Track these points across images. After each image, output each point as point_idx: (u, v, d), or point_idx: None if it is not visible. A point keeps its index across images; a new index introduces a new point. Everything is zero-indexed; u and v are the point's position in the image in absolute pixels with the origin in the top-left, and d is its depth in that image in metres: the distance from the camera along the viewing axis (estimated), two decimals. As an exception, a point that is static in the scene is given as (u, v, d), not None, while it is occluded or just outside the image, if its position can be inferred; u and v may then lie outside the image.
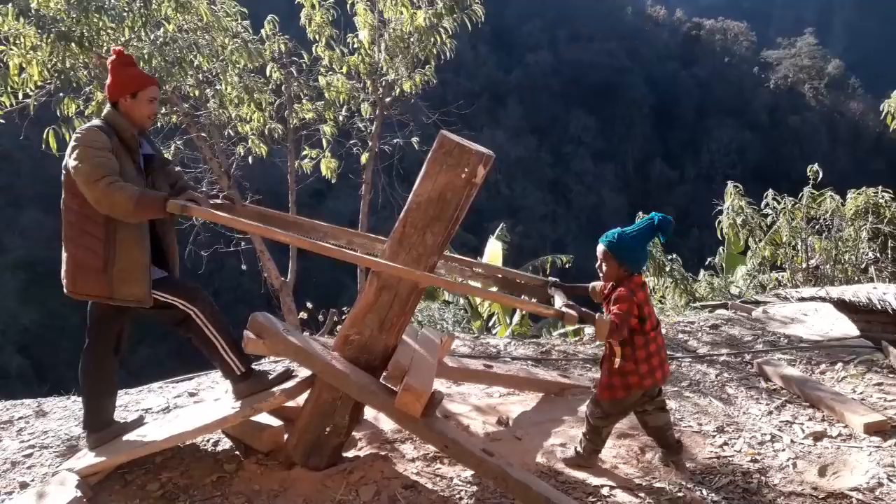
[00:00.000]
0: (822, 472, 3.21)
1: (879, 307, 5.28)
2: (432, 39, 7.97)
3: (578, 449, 3.30)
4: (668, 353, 4.87)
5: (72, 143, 3.14)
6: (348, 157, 9.16)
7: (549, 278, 3.71)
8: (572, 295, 3.46)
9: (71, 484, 3.03)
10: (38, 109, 6.87)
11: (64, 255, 3.23)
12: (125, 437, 3.35)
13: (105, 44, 6.94)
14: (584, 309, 3.04)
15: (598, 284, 3.32)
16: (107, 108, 3.34)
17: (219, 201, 3.45)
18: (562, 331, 7.73)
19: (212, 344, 3.33)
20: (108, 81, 3.35)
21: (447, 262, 3.90)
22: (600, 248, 3.14)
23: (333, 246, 3.36)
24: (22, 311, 31.09)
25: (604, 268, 3.15)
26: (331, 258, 3.04)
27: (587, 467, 3.27)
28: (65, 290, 3.25)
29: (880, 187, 8.52)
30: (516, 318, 9.14)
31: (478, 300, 9.57)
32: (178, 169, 4.33)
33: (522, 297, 3.82)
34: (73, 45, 6.51)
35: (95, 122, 3.27)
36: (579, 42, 70.06)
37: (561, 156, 61.72)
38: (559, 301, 3.21)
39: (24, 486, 3.27)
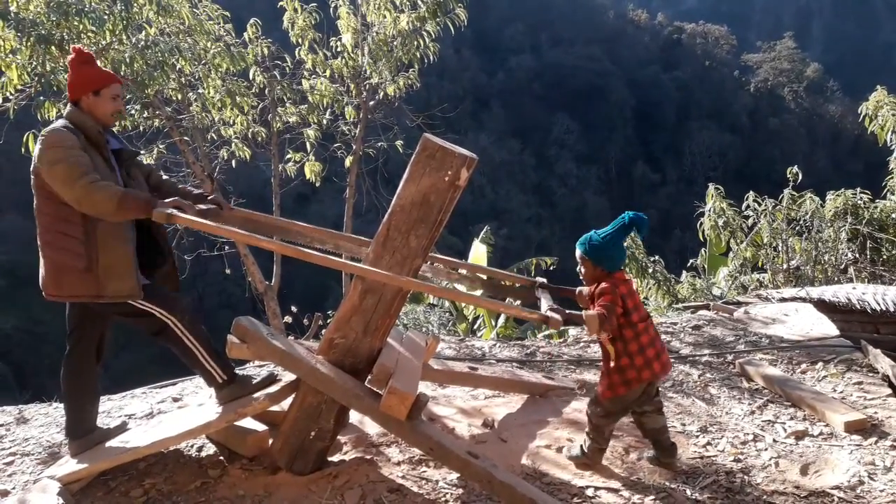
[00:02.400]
0: (803, 470, 3.25)
1: (859, 307, 5.36)
2: (415, 43, 7.99)
3: (584, 448, 3.31)
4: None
5: (39, 147, 3.07)
6: (332, 161, 9.16)
7: (537, 279, 3.72)
8: (560, 296, 3.48)
9: (52, 491, 2.99)
10: (18, 113, 6.80)
11: (42, 260, 3.17)
12: (108, 444, 3.31)
13: (86, 47, 6.88)
14: (569, 311, 3.06)
15: (584, 289, 3.34)
16: (68, 108, 3.26)
17: (205, 207, 3.38)
18: (546, 332, 7.75)
19: (191, 353, 3.30)
20: (68, 80, 3.29)
21: (433, 264, 3.91)
22: (577, 252, 3.20)
23: (320, 250, 3.35)
24: (2, 317, 30.70)
25: (583, 271, 3.21)
26: (316, 264, 3.03)
27: (591, 465, 3.29)
28: (46, 295, 3.19)
29: (858, 189, 8.63)
30: (501, 320, 9.16)
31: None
32: (147, 163, 4.27)
33: (507, 300, 3.83)
34: (53, 48, 6.46)
35: (59, 122, 3.18)
36: (561, 46, 70.47)
37: (544, 159, 62.03)
38: (545, 304, 3.22)
39: (4, 493, 3.23)
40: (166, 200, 3.07)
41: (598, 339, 3.19)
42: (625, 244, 3.18)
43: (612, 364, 3.11)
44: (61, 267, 3.12)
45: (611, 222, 3.20)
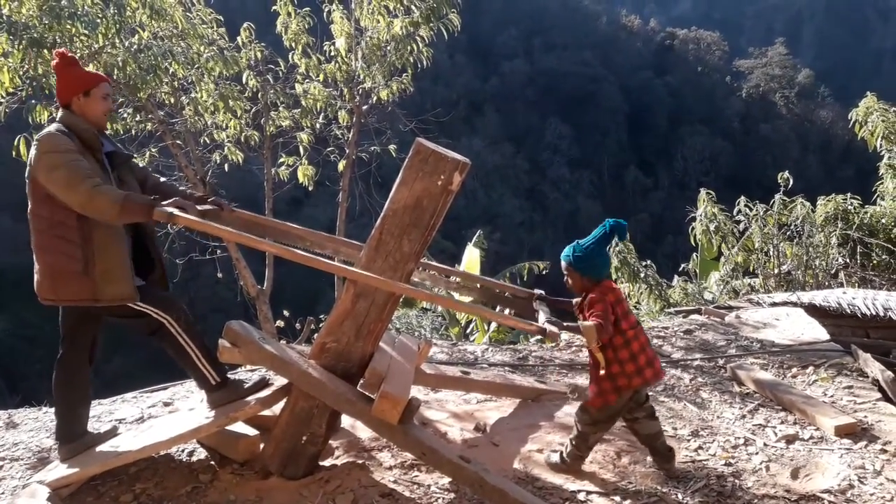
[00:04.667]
0: (794, 474, 3.26)
1: (849, 311, 5.39)
2: (409, 48, 8.00)
3: (564, 455, 3.31)
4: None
5: (35, 152, 3.05)
6: (325, 165, 9.15)
7: (535, 291, 3.69)
8: (557, 309, 3.49)
9: (42, 496, 2.97)
10: (10, 116, 6.77)
11: (37, 264, 3.15)
12: (98, 448, 3.30)
13: (78, 50, 6.86)
14: (566, 323, 3.08)
15: (577, 301, 3.35)
16: (59, 112, 3.25)
17: (206, 207, 3.36)
18: (538, 336, 7.76)
19: (186, 354, 3.30)
20: (57, 84, 3.27)
21: (433, 274, 3.90)
22: (563, 264, 3.24)
23: (318, 254, 3.35)
24: (-8, 321, 30.50)
25: (570, 282, 3.24)
26: (309, 267, 3.02)
27: (572, 472, 3.29)
28: (42, 299, 3.17)
29: (849, 194, 8.68)
30: (493, 324, 9.16)
31: (455, 307, 9.57)
32: (142, 166, 4.26)
33: (505, 311, 3.82)
34: (45, 51, 6.42)
35: (52, 127, 3.17)
36: (554, 51, 70.65)
37: (537, 163, 62.14)
38: (542, 317, 3.22)
39: (-7, 499, 3.21)
40: (168, 201, 3.06)
41: (587, 347, 3.20)
42: (609, 251, 3.20)
43: (602, 372, 3.11)
44: (58, 271, 3.10)
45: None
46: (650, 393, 4.26)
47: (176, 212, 2.96)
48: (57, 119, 3.23)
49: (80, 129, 3.16)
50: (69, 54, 3.33)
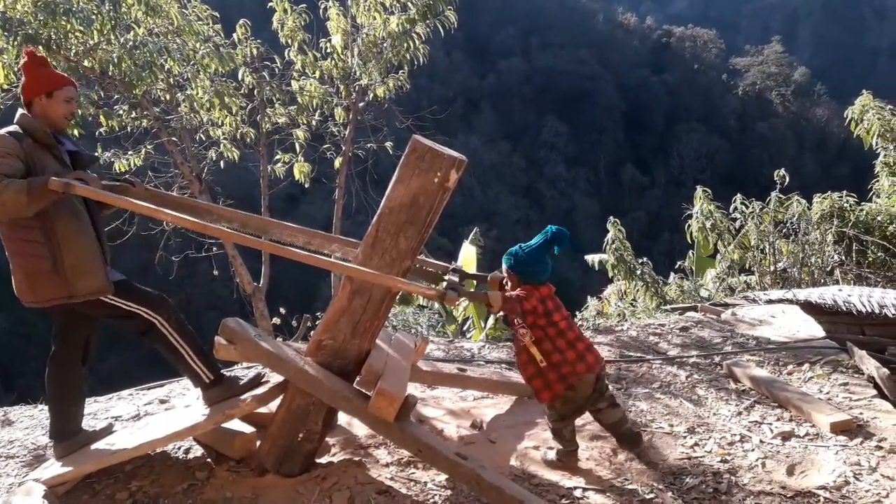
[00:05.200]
0: (790, 471, 3.26)
1: (844, 309, 5.40)
2: (405, 45, 7.99)
3: (557, 453, 3.34)
4: (639, 354, 4.94)
5: None
6: (322, 162, 9.14)
7: (452, 264, 3.74)
8: (477, 282, 3.54)
9: (37, 494, 2.97)
10: (5, 113, 6.75)
11: (12, 268, 3.14)
12: (93, 446, 3.29)
13: (73, 47, 6.85)
14: (471, 291, 3.18)
15: (496, 274, 3.42)
16: (19, 112, 3.23)
17: (115, 183, 3.33)
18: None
19: (178, 353, 3.29)
20: (21, 82, 3.27)
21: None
22: (503, 266, 3.29)
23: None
24: (-13, 318, 30.42)
25: (509, 284, 3.29)
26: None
27: (568, 468, 3.30)
28: (24, 303, 3.17)
29: (845, 192, 8.69)
30: (490, 321, 9.16)
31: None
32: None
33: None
34: (40, 48, 6.40)
35: (8, 128, 3.14)
36: (551, 49, 70.68)
37: (534, 161, 62.21)
38: (445, 283, 3.25)
39: (-12, 496, 3.20)
40: (68, 174, 3.04)
41: (519, 346, 3.26)
42: (548, 257, 3.25)
43: (543, 364, 3.17)
44: (30, 272, 3.10)
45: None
46: (647, 389, 4.27)
47: (73, 182, 2.95)
48: (16, 119, 3.20)
49: (32, 128, 3.13)
50: (39, 54, 3.32)
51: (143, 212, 3.08)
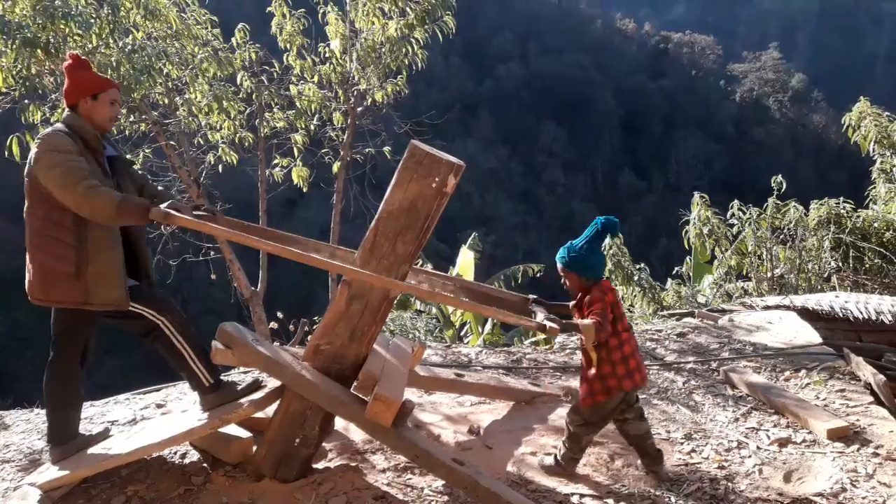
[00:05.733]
0: (787, 477, 3.27)
1: (841, 315, 5.41)
2: (404, 50, 8.00)
3: (558, 457, 3.32)
4: (637, 361, 4.93)
5: (35, 151, 3.07)
6: (320, 166, 9.13)
7: (530, 296, 3.67)
8: (552, 312, 3.49)
9: (33, 498, 2.96)
10: (3, 116, 6.75)
11: (30, 264, 3.15)
12: (90, 450, 3.28)
13: (74, 51, 6.84)
14: (564, 321, 3.10)
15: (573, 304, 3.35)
16: (66, 112, 3.27)
17: (201, 212, 3.38)
18: (532, 339, 7.76)
19: (180, 355, 3.29)
20: (65, 85, 3.29)
21: (432, 279, 3.87)
22: (559, 266, 3.24)
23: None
24: (-15, 322, 30.34)
25: (567, 283, 3.25)
26: (303, 268, 3.02)
27: (566, 475, 3.29)
28: (32, 299, 3.17)
29: (842, 198, 8.71)
30: (488, 326, 9.16)
31: (450, 309, 9.57)
32: (141, 172, 4.27)
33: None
34: (38, 51, 6.40)
35: (57, 126, 3.20)
36: (549, 54, 70.80)
37: (532, 166, 62.26)
38: (540, 315, 3.23)
39: (-16, 501, 3.19)
40: (164, 203, 3.07)
41: (581, 346, 3.21)
42: (602, 249, 3.21)
43: (593, 371, 3.13)
44: (50, 272, 3.10)
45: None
46: (644, 395, 4.27)
47: (172, 212, 2.98)
48: (62, 119, 3.25)
49: (83, 131, 3.17)
50: (82, 57, 3.36)
51: (240, 241, 3.10)
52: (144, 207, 2.98)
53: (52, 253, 3.09)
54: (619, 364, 3.11)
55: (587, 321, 3.00)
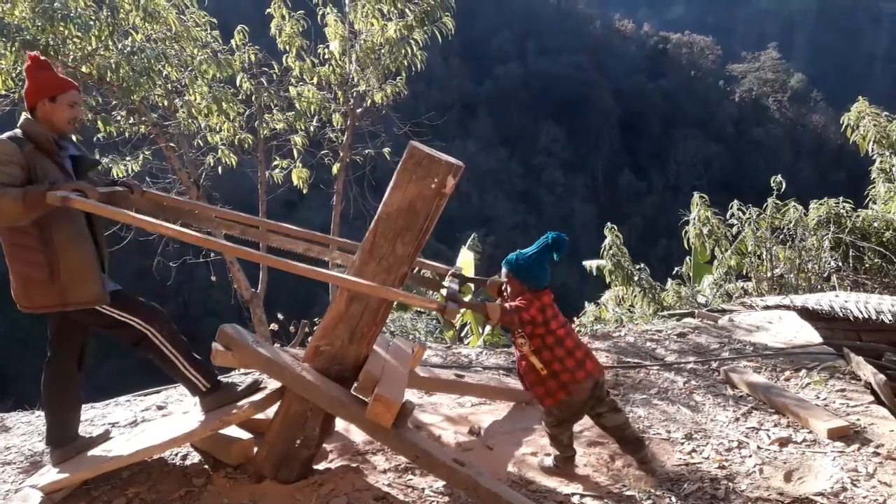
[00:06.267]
0: (787, 477, 3.27)
1: (841, 315, 5.41)
2: (403, 51, 8.01)
3: (555, 461, 3.34)
4: (636, 360, 4.94)
5: None
6: (319, 168, 9.14)
7: (454, 267, 3.74)
8: (477, 286, 3.54)
9: (34, 500, 2.96)
10: (2, 118, 6.75)
11: (11, 273, 3.14)
12: (90, 452, 3.28)
13: (71, 53, 6.85)
14: (469, 301, 3.19)
15: (496, 279, 3.42)
16: (23, 116, 3.22)
17: (113, 189, 3.30)
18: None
19: (172, 363, 3.29)
20: (25, 87, 3.24)
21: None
22: (503, 270, 3.29)
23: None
24: (-17, 324, 30.32)
25: (509, 289, 3.29)
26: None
27: (565, 475, 3.31)
28: (20, 308, 3.17)
29: (841, 198, 8.71)
30: (488, 328, 9.16)
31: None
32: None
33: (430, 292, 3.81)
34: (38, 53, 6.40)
35: (9, 132, 3.12)
36: (548, 55, 70.83)
37: (531, 167, 62.29)
38: (446, 293, 3.25)
39: (-16, 503, 3.19)
40: (66, 185, 3.01)
41: (519, 354, 3.27)
42: (548, 263, 3.25)
43: (544, 373, 3.19)
44: (27, 279, 3.10)
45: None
46: (645, 395, 4.27)
47: (71, 195, 2.92)
48: (19, 123, 3.19)
49: (35, 134, 3.10)
50: (42, 58, 3.29)
51: (142, 226, 3.02)
52: (43, 193, 2.92)
53: (25, 260, 3.07)
54: (567, 358, 3.17)
55: (494, 303, 3.08)
